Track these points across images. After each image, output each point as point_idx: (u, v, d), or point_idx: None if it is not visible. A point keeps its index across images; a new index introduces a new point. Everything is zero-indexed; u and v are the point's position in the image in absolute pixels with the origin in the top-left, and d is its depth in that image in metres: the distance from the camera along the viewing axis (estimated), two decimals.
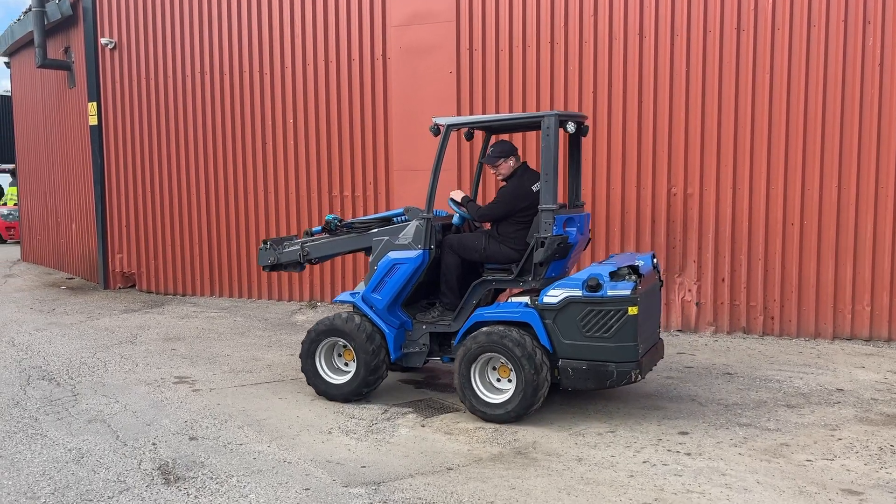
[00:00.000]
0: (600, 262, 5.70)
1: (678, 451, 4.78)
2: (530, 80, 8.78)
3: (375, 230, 5.96)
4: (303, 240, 6.39)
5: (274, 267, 6.46)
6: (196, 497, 4.15)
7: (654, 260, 5.90)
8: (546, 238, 5.35)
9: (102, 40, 11.25)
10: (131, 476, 4.44)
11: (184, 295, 11.10)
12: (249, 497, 4.14)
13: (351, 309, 6.01)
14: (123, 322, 9.27)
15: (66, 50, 12.67)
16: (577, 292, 5.15)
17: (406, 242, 5.71)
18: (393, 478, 4.42)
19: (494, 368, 5.42)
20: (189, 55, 10.77)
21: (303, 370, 5.97)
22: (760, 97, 7.92)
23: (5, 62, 16.35)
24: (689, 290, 8.30)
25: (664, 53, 8.18)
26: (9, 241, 20.56)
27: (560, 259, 5.62)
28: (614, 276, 5.13)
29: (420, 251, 5.64)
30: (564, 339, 5.21)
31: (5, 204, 22.40)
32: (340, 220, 6.23)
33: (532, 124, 5.96)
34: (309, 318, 9.31)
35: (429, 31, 9.23)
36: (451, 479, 4.38)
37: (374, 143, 9.65)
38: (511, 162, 5.79)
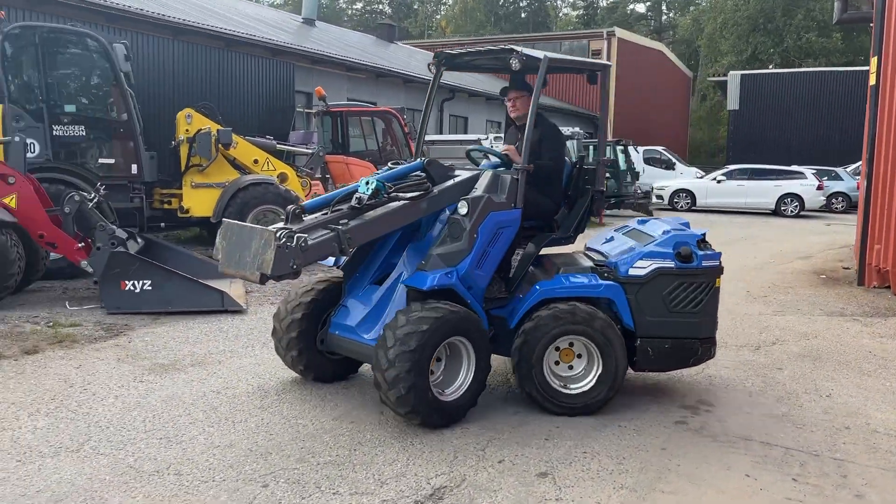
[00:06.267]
0: (666, 232, 4.75)
1: None
2: None
3: (438, 190, 4.64)
4: (333, 217, 4.32)
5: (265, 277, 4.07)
6: None
7: None
8: (603, 190, 5.14)
9: None
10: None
11: None
12: None
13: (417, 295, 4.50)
14: (831, 328, 7.45)
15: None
16: (669, 263, 4.57)
17: (503, 201, 4.65)
18: None
19: (557, 349, 4.66)
20: None
21: (407, 390, 4.18)
22: None
23: None
24: None
25: None
26: None
27: None
28: (701, 244, 4.62)
29: (518, 210, 4.71)
30: (648, 316, 4.62)
31: None
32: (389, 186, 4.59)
33: (586, 70, 5.27)
34: None
35: None
36: None
37: None
38: (528, 101, 5.05)
